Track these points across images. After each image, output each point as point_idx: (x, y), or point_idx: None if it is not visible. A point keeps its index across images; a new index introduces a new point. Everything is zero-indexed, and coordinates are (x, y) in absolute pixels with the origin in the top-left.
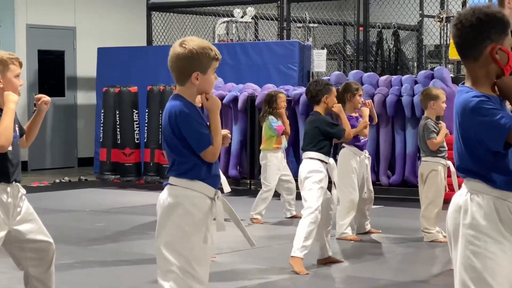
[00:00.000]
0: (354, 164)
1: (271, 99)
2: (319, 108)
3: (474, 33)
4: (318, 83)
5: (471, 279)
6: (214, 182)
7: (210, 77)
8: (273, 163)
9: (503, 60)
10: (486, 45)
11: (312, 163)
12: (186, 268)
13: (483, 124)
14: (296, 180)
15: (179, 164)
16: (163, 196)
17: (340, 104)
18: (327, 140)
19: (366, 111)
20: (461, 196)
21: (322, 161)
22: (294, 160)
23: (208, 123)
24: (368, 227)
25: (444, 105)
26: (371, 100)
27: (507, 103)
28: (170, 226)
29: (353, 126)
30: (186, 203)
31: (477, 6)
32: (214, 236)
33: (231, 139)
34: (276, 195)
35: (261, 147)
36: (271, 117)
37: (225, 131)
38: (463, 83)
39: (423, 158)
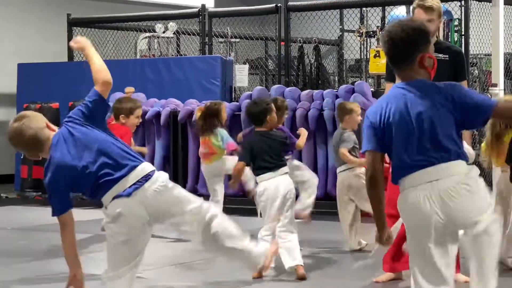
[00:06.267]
0: None
1: (216, 111)
2: (265, 128)
3: (406, 47)
4: (258, 104)
5: None
6: None
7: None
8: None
9: (430, 65)
10: (416, 55)
11: (290, 179)
12: None
13: None
14: None
15: (131, 156)
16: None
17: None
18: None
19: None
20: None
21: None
22: None
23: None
24: None
25: (359, 118)
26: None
27: None
28: None
29: None
30: None
31: (402, 22)
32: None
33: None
34: None
35: (214, 158)
36: (224, 131)
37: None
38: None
39: (342, 168)
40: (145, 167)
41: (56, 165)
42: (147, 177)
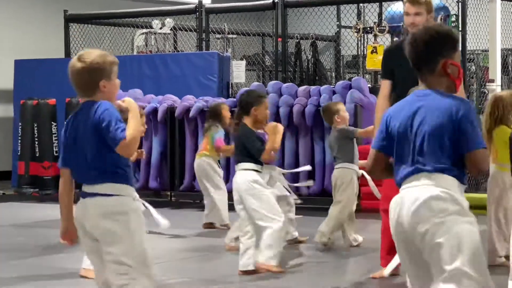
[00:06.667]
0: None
1: (216, 112)
2: (247, 120)
3: (428, 50)
4: (250, 94)
5: None
6: (132, 183)
7: (115, 81)
8: (217, 168)
9: (454, 73)
10: (439, 60)
11: (248, 174)
12: (144, 271)
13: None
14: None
15: (109, 167)
16: (105, 208)
17: (280, 126)
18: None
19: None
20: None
21: (256, 171)
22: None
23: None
24: (295, 234)
25: (347, 113)
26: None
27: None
28: (122, 235)
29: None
30: (129, 210)
31: (429, 25)
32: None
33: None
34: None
35: (205, 152)
36: (220, 129)
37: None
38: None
39: (338, 165)
40: (119, 188)
41: (71, 122)
42: (111, 195)
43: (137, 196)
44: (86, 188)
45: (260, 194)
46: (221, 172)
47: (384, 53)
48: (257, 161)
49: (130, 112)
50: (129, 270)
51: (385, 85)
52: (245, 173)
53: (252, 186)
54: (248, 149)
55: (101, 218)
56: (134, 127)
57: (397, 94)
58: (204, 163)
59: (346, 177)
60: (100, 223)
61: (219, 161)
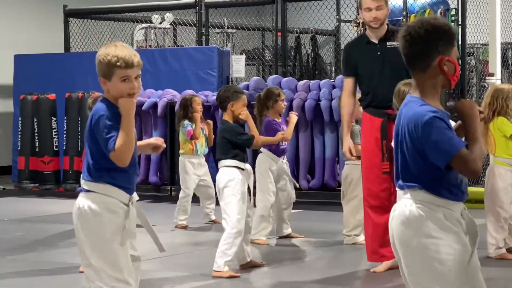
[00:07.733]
0: (273, 167)
1: (186, 103)
2: (226, 116)
3: (422, 45)
4: (227, 89)
5: None
6: (129, 189)
7: (116, 84)
8: (189, 168)
9: (451, 71)
10: (434, 56)
11: (228, 171)
12: (112, 274)
13: (432, 142)
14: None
15: (94, 168)
16: (80, 203)
17: (247, 111)
18: (238, 148)
19: (294, 119)
20: (405, 207)
21: (238, 167)
22: (214, 166)
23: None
24: (288, 231)
25: (361, 108)
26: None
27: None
28: (90, 234)
29: (276, 131)
30: (103, 210)
31: (425, 18)
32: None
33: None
34: (197, 200)
35: (181, 151)
36: (186, 122)
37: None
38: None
39: (348, 161)
40: (103, 188)
41: None
42: (90, 191)
43: (132, 201)
44: (81, 183)
45: (230, 194)
46: (201, 169)
47: (344, 50)
48: (239, 157)
49: (123, 117)
50: (99, 273)
51: (348, 83)
52: (225, 170)
53: (227, 184)
54: (233, 144)
55: (75, 216)
56: (123, 138)
57: (363, 90)
58: (180, 163)
59: (356, 174)
60: (74, 221)
61: (204, 154)
